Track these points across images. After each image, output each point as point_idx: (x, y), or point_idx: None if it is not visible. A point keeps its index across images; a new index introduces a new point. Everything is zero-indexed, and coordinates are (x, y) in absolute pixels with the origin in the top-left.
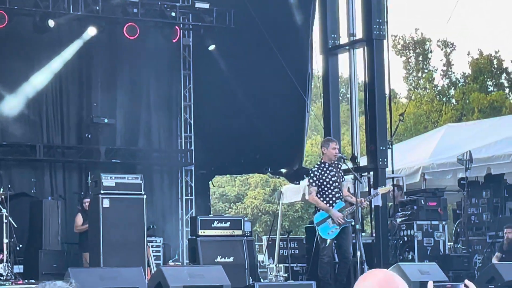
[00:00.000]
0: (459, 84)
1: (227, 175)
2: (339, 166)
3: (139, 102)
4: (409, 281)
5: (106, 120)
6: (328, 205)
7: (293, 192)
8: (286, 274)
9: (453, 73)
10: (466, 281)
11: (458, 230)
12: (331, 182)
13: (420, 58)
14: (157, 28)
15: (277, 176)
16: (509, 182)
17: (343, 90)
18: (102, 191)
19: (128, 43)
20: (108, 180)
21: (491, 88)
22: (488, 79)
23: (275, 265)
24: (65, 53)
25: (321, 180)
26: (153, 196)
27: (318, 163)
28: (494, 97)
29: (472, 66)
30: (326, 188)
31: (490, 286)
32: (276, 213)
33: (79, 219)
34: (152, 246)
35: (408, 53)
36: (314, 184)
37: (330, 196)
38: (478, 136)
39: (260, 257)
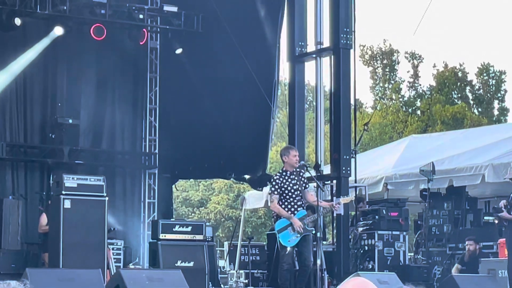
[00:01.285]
0: (425, 96)
1: (191, 180)
2: (301, 174)
3: (104, 103)
4: None
5: (70, 121)
6: (289, 212)
7: (256, 199)
8: (247, 280)
9: (420, 84)
10: None
11: (419, 241)
12: (292, 190)
13: (387, 69)
14: (124, 30)
15: (241, 182)
16: (471, 194)
17: (310, 98)
18: (63, 192)
19: (95, 44)
20: (70, 180)
21: (456, 101)
22: (453, 91)
23: (236, 271)
24: (31, 52)
25: (282, 188)
26: (115, 198)
27: (280, 171)
28: (456, 109)
29: (437, 78)
30: (287, 196)
31: None
32: (239, 219)
33: (44, 219)
34: (112, 249)
35: (375, 64)
36: (276, 192)
37: (292, 203)
38: (442, 148)
39: (221, 263)
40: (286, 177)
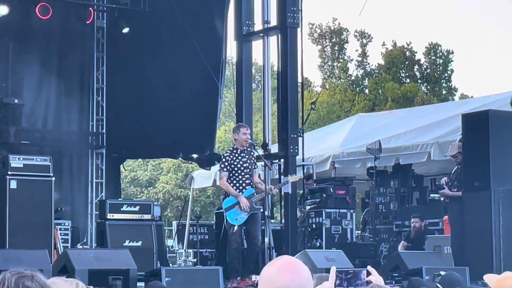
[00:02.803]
0: (373, 75)
1: (140, 160)
2: (252, 153)
3: (50, 83)
4: (315, 267)
5: (16, 101)
6: (238, 191)
7: (204, 178)
8: (195, 259)
9: (368, 63)
10: (369, 267)
11: (366, 218)
12: (242, 168)
13: (336, 48)
14: (70, 9)
15: (189, 162)
16: (417, 172)
17: (257, 77)
18: (9, 172)
19: (40, 23)
20: (16, 161)
21: (404, 80)
22: (401, 70)
23: (184, 250)
24: None
25: (232, 166)
26: (62, 179)
27: (231, 148)
28: (408, 88)
29: (385, 57)
30: (237, 174)
31: (394, 274)
32: (187, 198)
33: None
34: (60, 229)
35: (324, 42)
36: (225, 169)
37: (241, 182)
38: (388, 126)
39: (170, 242)
40: (237, 155)
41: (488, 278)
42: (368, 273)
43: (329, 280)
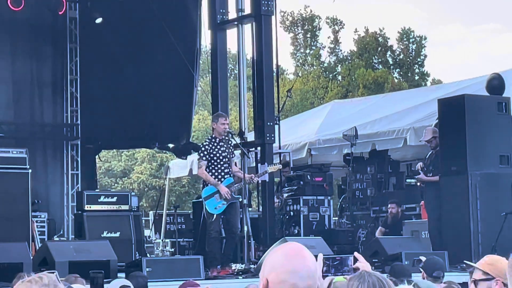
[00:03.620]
0: (346, 62)
1: (114, 150)
2: (230, 142)
3: (23, 75)
4: None
5: None
6: (217, 180)
7: (180, 167)
8: (173, 249)
9: (340, 50)
10: (356, 254)
11: (343, 205)
12: (221, 158)
13: (308, 35)
14: (42, 1)
15: (164, 151)
16: (393, 158)
17: (230, 66)
18: None
19: (12, 14)
20: None
21: (377, 66)
22: (373, 56)
23: (162, 240)
24: None
25: (211, 155)
26: (37, 171)
27: (209, 137)
28: (378, 74)
29: (357, 43)
30: (215, 163)
31: (373, 260)
32: (163, 188)
33: None
34: (36, 221)
35: (296, 30)
36: (204, 158)
37: (219, 171)
38: (364, 113)
39: (147, 232)
40: (215, 144)
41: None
42: (355, 260)
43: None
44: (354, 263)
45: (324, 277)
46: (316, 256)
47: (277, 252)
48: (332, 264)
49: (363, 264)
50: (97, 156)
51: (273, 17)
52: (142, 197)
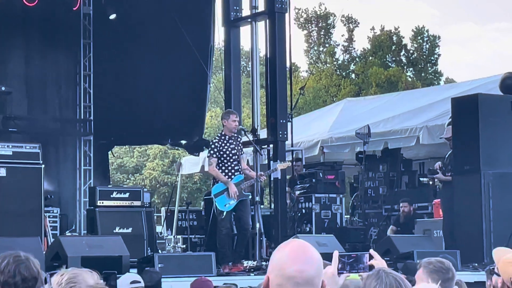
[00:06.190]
0: (360, 60)
1: (126, 146)
2: (239, 139)
3: (37, 70)
4: None
5: (3, 88)
6: (227, 177)
7: (192, 164)
8: (184, 246)
9: (354, 48)
10: (371, 251)
11: (355, 203)
12: (230, 155)
13: (322, 33)
14: None
15: (176, 148)
16: (406, 156)
17: (244, 63)
18: None
19: (27, 9)
20: (5, 148)
21: (390, 64)
22: (387, 55)
23: (173, 236)
24: None
25: (221, 152)
26: (51, 166)
27: (219, 135)
28: (391, 72)
29: (372, 41)
30: (225, 161)
31: (385, 258)
32: (175, 185)
33: None
34: (49, 217)
35: (310, 27)
36: (214, 155)
37: (229, 168)
38: (376, 111)
39: (159, 229)
40: (225, 141)
41: (497, 252)
42: (371, 257)
43: (332, 264)
44: (369, 260)
45: (339, 274)
46: (324, 254)
47: (280, 252)
48: (348, 262)
49: (378, 262)
50: (109, 152)
51: (287, 14)
52: (154, 194)
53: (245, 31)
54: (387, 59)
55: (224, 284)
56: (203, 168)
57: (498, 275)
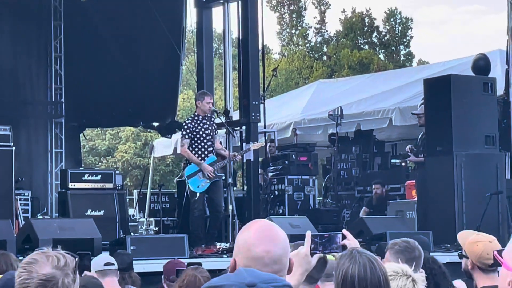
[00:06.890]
0: (332, 42)
1: (98, 129)
2: (213, 119)
3: (6, 52)
4: None
5: None
6: (199, 158)
7: (164, 146)
8: (157, 228)
9: (326, 30)
10: (344, 231)
11: (328, 185)
12: (204, 135)
13: (294, 15)
14: None
15: (148, 130)
16: (378, 138)
17: (216, 45)
18: None
19: None
20: None
21: (363, 46)
22: (359, 37)
23: (146, 219)
24: None
25: (194, 133)
26: (21, 148)
27: (192, 115)
28: (363, 54)
29: (344, 24)
30: (198, 141)
31: (358, 240)
32: (148, 167)
33: None
34: (20, 200)
35: (282, 9)
36: (187, 136)
37: (202, 149)
38: (349, 93)
39: (131, 211)
40: (198, 122)
41: (461, 236)
42: (343, 237)
43: (305, 245)
44: (342, 240)
45: (312, 254)
46: (293, 236)
47: (245, 233)
48: (320, 242)
49: (351, 242)
50: (81, 135)
51: None
52: (126, 176)
53: (217, 12)
54: (359, 41)
55: (189, 264)
56: (175, 151)
57: (467, 257)
